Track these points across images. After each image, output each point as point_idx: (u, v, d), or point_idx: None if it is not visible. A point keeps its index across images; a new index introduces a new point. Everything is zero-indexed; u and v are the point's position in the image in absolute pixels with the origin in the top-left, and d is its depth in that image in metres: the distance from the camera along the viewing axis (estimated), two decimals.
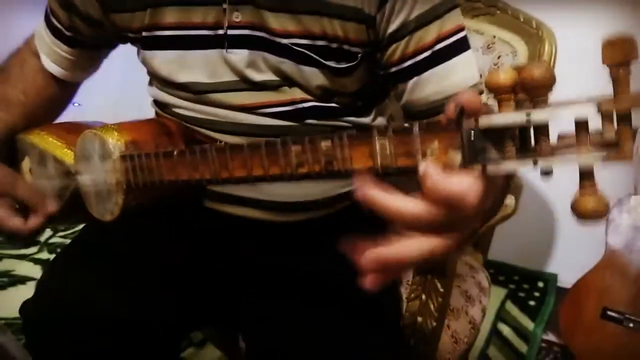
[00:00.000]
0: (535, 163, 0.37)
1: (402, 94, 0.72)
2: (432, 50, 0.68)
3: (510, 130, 0.38)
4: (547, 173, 0.37)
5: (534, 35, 0.98)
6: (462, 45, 0.69)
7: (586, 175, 0.36)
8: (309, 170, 0.47)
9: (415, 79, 0.70)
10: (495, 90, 0.37)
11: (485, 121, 0.38)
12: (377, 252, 0.40)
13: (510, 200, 0.87)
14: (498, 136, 0.38)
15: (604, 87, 0.36)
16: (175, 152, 0.58)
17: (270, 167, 0.50)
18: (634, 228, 1.33)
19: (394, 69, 0.70)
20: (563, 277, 1.74)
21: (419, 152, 0.41)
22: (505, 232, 1.14)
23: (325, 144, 0.46)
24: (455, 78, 0.69)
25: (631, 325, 1.29)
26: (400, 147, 0.42)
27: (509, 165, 0.38)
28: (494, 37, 1.03)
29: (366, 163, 0.44)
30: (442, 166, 0.39)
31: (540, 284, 1.76)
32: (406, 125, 0.42)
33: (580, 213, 0.36)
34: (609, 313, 1.32)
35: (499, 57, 1.01)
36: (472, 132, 0.39)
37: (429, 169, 0.38)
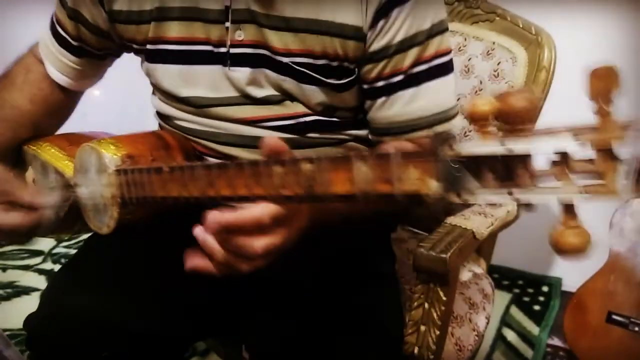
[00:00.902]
0: (510, 194, 0.36)
1: (369, 109, 0.74)
2: (406, 74, 0.69)
3: (490, 161, 0.36)
4: (528, 206, 0.36)
5: (533, 41, 0.98)
6: (438, 71, 0.70)
7: (568, 209, 0.34)
8: (292, 192, 0.47)
9: (383, 98, 0.71)
10: (475, 119, 0.36)
11: (465, 152, 0.37)
12: (219, 215, 0.49)
13: (512, 206, 0.87)
14: (476, 165, 0.37)
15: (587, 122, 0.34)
16: (165, 169, 0.58)
17: (254, 187, 0.50)
18: (637, 231, 1.33)
19: (366, 86, 0.72)
20: (567, 281, 1.73)
21: (396, 178, 0.41)
22: (509, 236, 1.13)
23: (305, 166, 0.46)
24: (420, 103, 0.70)
25: (637, 329, 1.29)
26: (378, 172, 0.42)
27: (485, 196, 0.37)
28: (494, 43, 1.03)
29: (346, 188, 0.44)
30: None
31: (545, 289, 1.76)
32: (385, 152, 0.42)
33: (559, 248, 0.34)
34: (614, 317, 1.32)
35: (498, 64, 1.01)
36: (450, 160, 0.38)
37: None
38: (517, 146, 0.35)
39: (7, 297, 1.71)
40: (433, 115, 0.71)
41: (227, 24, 0.70)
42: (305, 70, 0.70)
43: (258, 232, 0.50)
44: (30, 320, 0.74)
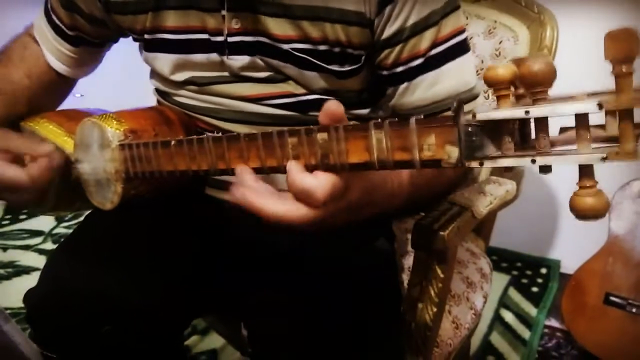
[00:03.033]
0: (533, 161, 0.36)
1: (392, 96, 0.73)
2: (425, 57, 0.68)
3: (508, 126, 0.37)
4: (545, 169, 0.36)
5: (535, 20, 0.97)
6: (456, 50, 0.69)
7: (585, 173, 0.35)
8: (306, 162, 0.47)
9: (405, 84, 0.70)
10: (494, 85, 0.36)
11: (483, 116, 0.37)
12: (246, 193, 0.48)
13: (511, 185, 0.86)
14: (496, 132, 0.37)
15: (607, 73, 0.35)
16: (172, 142, 0.58)
17: (267, 159, 0.49)
18: (637, 213, 1.33)
19: (385, 73, 0.71)
20: (566, 263, 1.74)
21: (416, 147, 0.41)
22: (508, 218, 1.13)
23: (321, 136, 0.46)
24: (444, 85, 0.69)
25: (634, 310, 1.30)
26: (396, 141, 0.42)
27: (507, 162, 0.37)
28: (495, 22, 1.02)
29: (362, 157, 0.44)
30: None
31: (543, 270, 1.77)
32: (403, 119, 0.42)
33: (578, 212, 0.35)
34: (612, 298, 1.33)
35: (500, 42, 1.01)
36: (470, 127, 0.38)
37: (290, 166, 0.46)
38: (536, 110, 0.35)
39: (8, 277, 1.72)
40: (458, 95, 0.70)
41: (224, 12, 0.69)
42: (306, 57, 0.69)
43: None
44: (29, 295, 0.75)
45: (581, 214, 0.35)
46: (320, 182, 0.45)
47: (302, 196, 0.46)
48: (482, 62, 1.03)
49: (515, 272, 1.76)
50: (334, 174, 0.46)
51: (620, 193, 1.34)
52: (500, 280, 1.71)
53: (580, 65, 1.15)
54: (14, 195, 0.70)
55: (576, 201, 0.35)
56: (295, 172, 0.46)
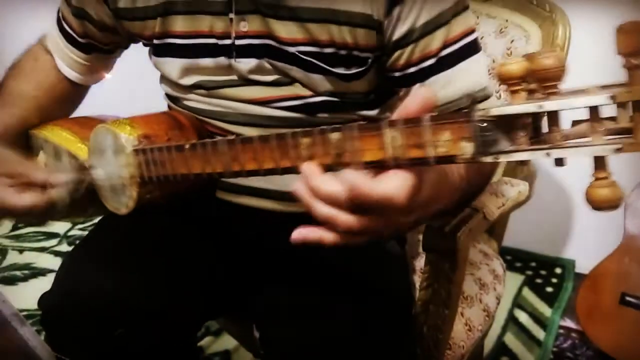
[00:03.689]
0: (548, 154, 0.36)
1: (404, 98, 0.72)
2: (437, 58, 0.67)
3: (521, 121, 0.37)
4: (560, 161, 0.37)
5: (547, 18, 0.96)
6: (468, 50, 0.68)
7: (600, 165, 0.36)
8: (320, 162, 0.47)
9: (418, 85, 0.70)
10: (507, 81, 0.37)
11: (497, 111, 0.38)
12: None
13: (523, 186, 0.86)
14: (510, 127, 0.38)
15: (618, 70, 0.35)
16: (186, 146, 0.58)
17: (281, 160, 0.50)
18: None
19: (397, 74, 0.70)
20: (581, 263, 1.72)
21: (430, 144, 0.41)
22: (522, 218, 1.13)
23: (335, 136, 0.46)
24: (457, 85, 0.68)
25: None
26: (411, 139, 0.42)
27: (521, 156, 0.38)
28: (507, 20, 1.01)
29: (377, 155, 0.44)
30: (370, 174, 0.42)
31: (558, 270, 1.75)
32: (415, 116, 0.42)
33: (593, 203, 0.36)
34: (628, 298, 1.31)
35: (511, 42, 1.00)
36: (484, 122, 0.38)
37: (355, 180, 0.41)
38: (549, 104, 0.35)
39: (24, 279, 1.75)
40: (472, 94, 0.69)
41: (231, 15, 0.70)
42: (312, 60, 0.69)
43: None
44: (44, 298, 0.76)
45: (596, 205, 0.36)
46: (397, 185, 0.41)
47: (378, 206, 0.42)
48: (494, 61, 1.02)
49: (529, 272, 1.75)
50: (405, 171, 0.42)
51: (636, 192, 1.33)
52: (514, 280, 1.70)
53: (593, 64, 1.14)
54: (26, 218, 0.73)
55: (591, 193, 0.36)
56: (365, 182, 0.41)
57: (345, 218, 0.43)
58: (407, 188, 0.41)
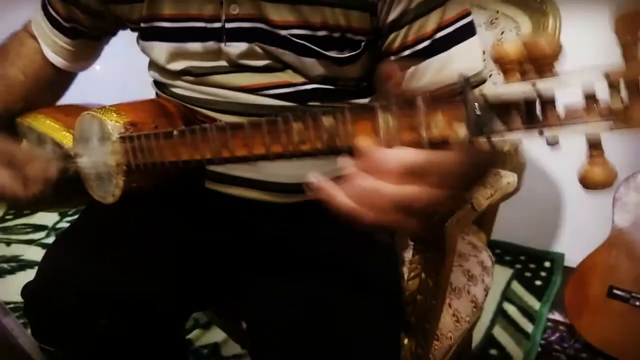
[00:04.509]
0: (541, 133, 0.36)
1: None
2: (431, 40, 0.67)
3: (516, 102, 0.37)
4: (553, 143, 0.37)
5: (538, 9, 0.96)
6: (463, 33, 0.68)
7: (594, 145, 0.36)
8: (311, 147, 0.47)
9: (412, 68, 0.69)
10: (501, 62, 0.37)
11: (491, 92, 0.38)
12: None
13: (512, 177, 0.86)
14: (504, 108, 0.38)
15: (609, 61, 0.35)
16: (175, 132, 0.58)
17: (271, 145, 0.49)
18: None
19: (393, 58, 0.69)
20: (570, 257, 1.73)
21: (423, 126, 0.40)
22: (511, 211, 1.13)
23: (327, 120, 0.45)
24: (453, 68, 0.67)
25: (637, 303, 1.29)
26: (403, 121, 0.41)
27: (515, 136, 0.38)
28: (497, 12, 1.01)
29: (369, 138, 0.43)
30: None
31: (547, 264, 1.76)
32: (409, 98, 0.41)
33: (587, 183, 0.36)
34: (615, 291, 1.32)
35: (502, 33, 1.00)
36: (477, 104, 0.38)
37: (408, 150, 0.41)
38: (545, 86, 0.36)
39: (12, 271, 1.73)
40: (467, 78, 0.69)
41: None
42: (305, 43, 0.68)
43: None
44: (27, 288, 0.75)
45: (589, 183, 0.36)
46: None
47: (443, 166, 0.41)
48: (484, 52, 1.02)
49: (518, 266, 1.76)
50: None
51: (624, 186, 1.34)
52: (503, 273, 1.70)
53: (584, 55, 1.14)
54: (7, 200, 0.71)
55: (584, 171, 0.36)
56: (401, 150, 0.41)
57: (412, 189, 0.41)
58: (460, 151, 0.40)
